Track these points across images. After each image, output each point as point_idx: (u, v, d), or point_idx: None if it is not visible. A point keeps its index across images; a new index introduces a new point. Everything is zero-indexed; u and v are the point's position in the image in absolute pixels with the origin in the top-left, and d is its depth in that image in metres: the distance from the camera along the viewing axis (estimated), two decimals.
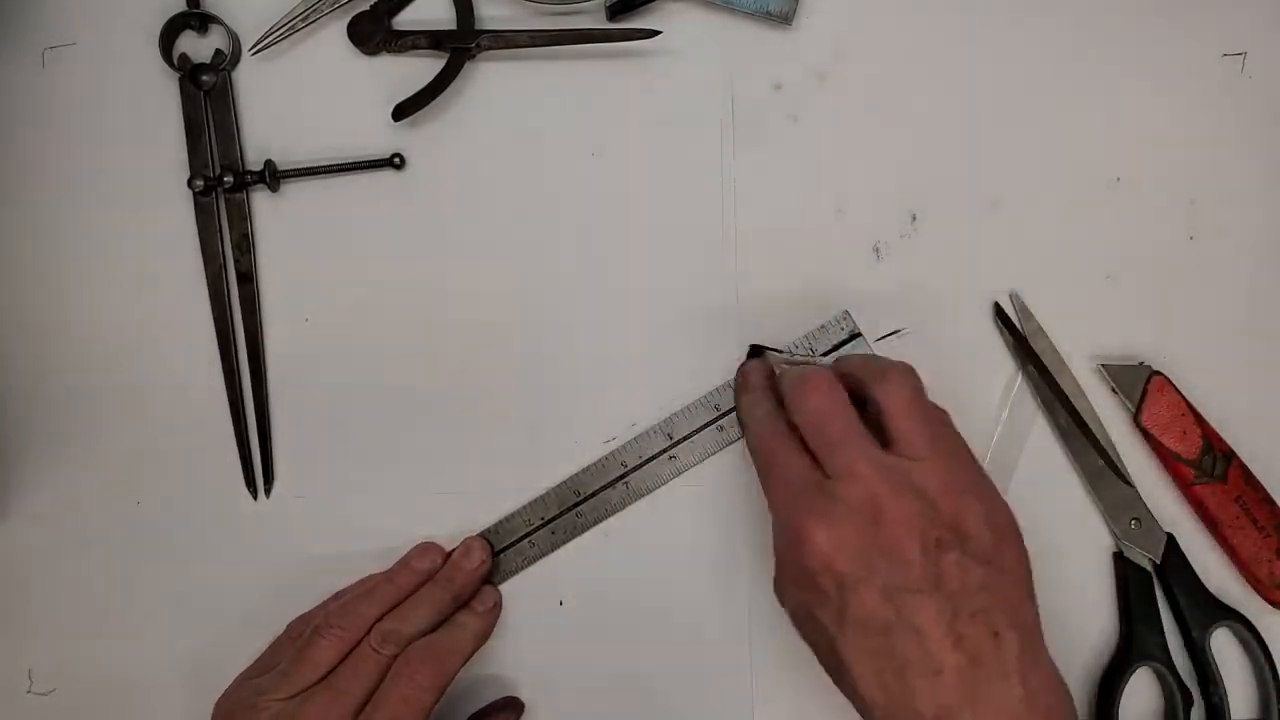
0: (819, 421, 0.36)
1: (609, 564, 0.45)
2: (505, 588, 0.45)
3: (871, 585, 0.34)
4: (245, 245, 0.45)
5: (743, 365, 0.44)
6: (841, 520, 0.34)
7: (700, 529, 0.45)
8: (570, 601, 0.45)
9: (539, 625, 0.45)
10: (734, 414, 0.44)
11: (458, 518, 0.45)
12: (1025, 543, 0.37)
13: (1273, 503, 0.43)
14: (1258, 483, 0.43)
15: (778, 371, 0.42)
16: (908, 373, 0.38)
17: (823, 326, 0.44)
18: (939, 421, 0.37)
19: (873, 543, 0.34)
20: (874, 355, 0.41)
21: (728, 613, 0.44)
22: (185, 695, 0.45)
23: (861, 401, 0.38)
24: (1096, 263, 0.45)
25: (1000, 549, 0.35)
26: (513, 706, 0.44)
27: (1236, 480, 0.43)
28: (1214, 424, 0.43)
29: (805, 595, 0.35)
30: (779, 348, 0.44)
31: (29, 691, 0.45)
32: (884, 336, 0.44)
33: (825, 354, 0.44)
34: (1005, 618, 0.34)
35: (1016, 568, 0.36)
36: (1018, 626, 0.34)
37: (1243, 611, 0.43)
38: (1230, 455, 0.43)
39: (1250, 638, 0.43)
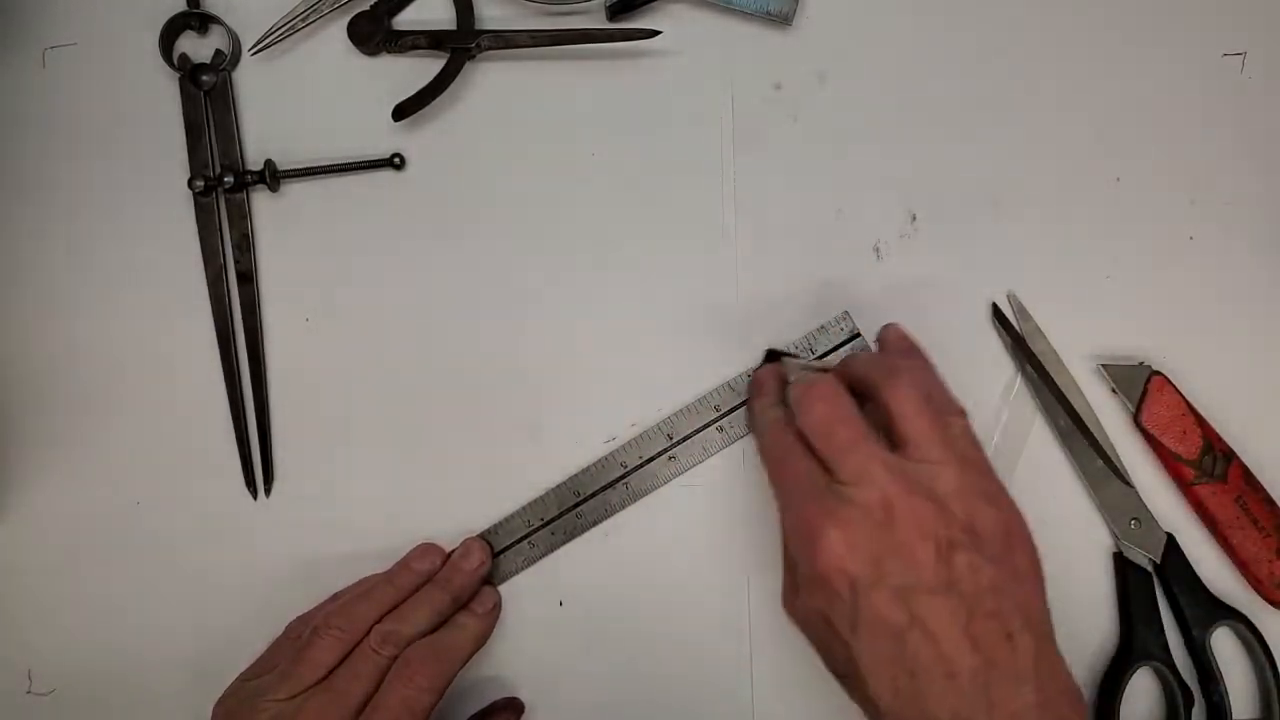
0: (826, 429, 0.36)
1: (609, 564, 0.45)
2: (505, 588, 0.45)
3: (885, 587, 0.34)
4: (245, 245, 0.45)
5: (757, 370, 0.44)
6: (854, 522, 0.34)
7: (701, 529, 0.45)
8: (570, 602, 0.45)
9: (539, 625, 0.45)
10: (734, 414, 0.44)
11: (458, 518, 0.45)
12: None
13: (1273, 503, 0.43)
14: (1258, 483, 0.43)
15: (792, 379, 0.41)
16: (917, 372, 0.38)
17: (822, 327, 0.44)
18: (950, 423, 0.37)
19: (885, 545, 0.34)
20: (883, 354, 0.41)
21: (728, 613, 0.44)
22: (185, 695, 0.45)
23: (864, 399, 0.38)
24: (1096, 263, 0.45)
25: (1012, 551, 0.35)
26: (513, 707, 0.44)
27: (1236, 480, 0.43)
28: (1214, 424, 0.43)
29: (819, 600, 0.35)
30: (794, 352, 0.44)
31: (29, 691, 0.45)
32: None
33: (825, 354, 0.44)
34: (1019, 619, 0.34)
35: (1029, 570, 0.36)
36: (1032, 629, 0.34)
37: (1244, 613, 0.43)
38: (1230, 455, 0.43)
39: (1251, 637, 0.43)
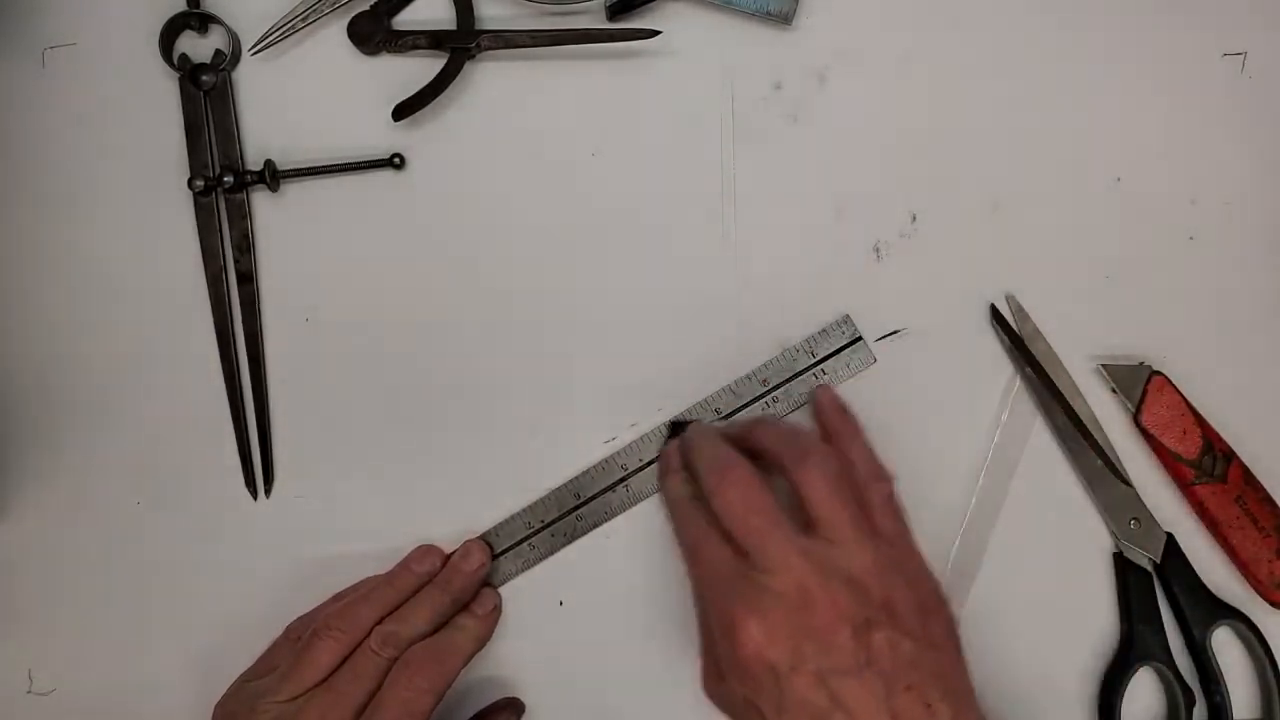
0: (741, 516, 0.36)
1: (609, 565, 0.45)
2: (505, 589, 0.45)
3: (804, 672, 0.34)
4: (245, 245, 0.45)
5: (664, 447, 0.43)
6: (771, 610, 0.34)
7: None
8: (570, 602, 0.45)
9: (539, 625, 0.45)
10: (733, 418, 0.44)
11: (458, 518, 0.45)
12: (952, 609, 0.37)
13: (1273, 503, 0.43)
14: (1258, 483, 0.43)
15: (703, 457, 0.39)
16: (829, 455, 0.38)
17: (823, 331, 0.44)
18: (871, 493, 0.38)
19: (803, 630, 0.34)
20: (792, 430, 0.40)
21: None
22: (185, 695, 0.45)
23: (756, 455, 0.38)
24: (1096, 263, 0.45)
25: (928, 622, 0.36)
26: (513, 707, 0.44)
27: (1236, 480, 0.43)
28: (1214, 424, 0.43)
29: (745, 687, 0.35)
30: (695, 419, 0.44)
31: (29, 691, 0.45)
32: (883, 337, 0.44)
33: (826, 358, 0.44)
34: (937, 689, 0.34)
35: (945, 638, 0.36)
36: (949, 696, 0.35)
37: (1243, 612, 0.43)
38: (1230, 455, 0.43)
39: (1251, 636, 0.43)
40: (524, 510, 0.44)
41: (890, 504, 0.38)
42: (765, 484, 0.37)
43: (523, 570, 0.45)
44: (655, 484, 0.44)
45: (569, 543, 0.44)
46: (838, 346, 0.44)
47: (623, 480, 0.44)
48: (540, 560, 0.45)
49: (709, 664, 0.38)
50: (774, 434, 0.39)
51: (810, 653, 0.34)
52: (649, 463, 0.44)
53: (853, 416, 0.41)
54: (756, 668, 0.34)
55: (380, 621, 0.41)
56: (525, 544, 0.44)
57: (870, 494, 0.38)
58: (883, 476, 0.39)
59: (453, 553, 0.44)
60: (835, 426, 0.41)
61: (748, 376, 0.44)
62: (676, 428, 0.44)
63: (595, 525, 0.44)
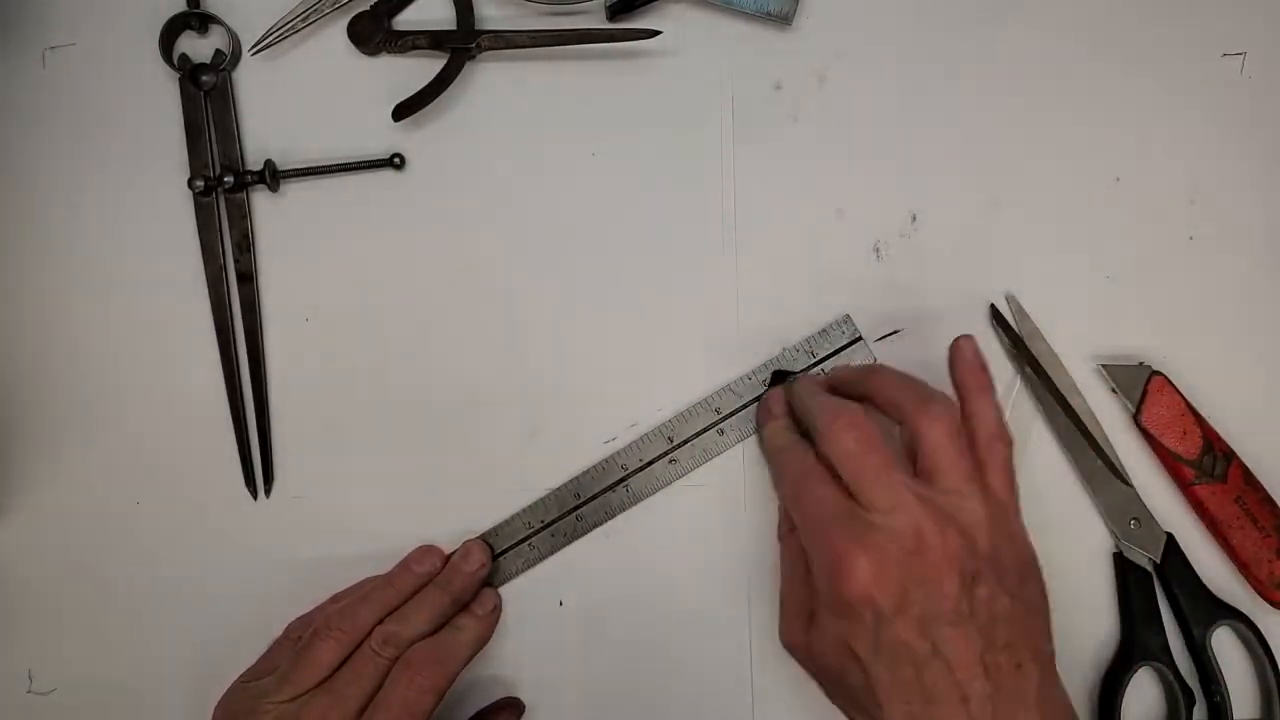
0: (855, 457, 0.36)
1: (609, 564, 0.45)
2: (505, 589, 0.45)
3: (909, 616, 0.34)
4: (245, 245, 0.45)
5: (765, 394, 0.44)
6: (883, 550, 0.34)
7: (701, 529, 0.44)
8: (570, 602, 0.45)
9: (539, 625, 0.45)
10: (735, 417, 0.44)
11: (458, 518, 0.45)
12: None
13: (1273, 503, 0.43)
14: (1258, 483, 0.43)
15: (813, 403, 0.39)
16: (950, 406, 0.37)
17: (823, 331, 0.44)
18: (992, 452, 0.37)
19: (913, 574, 0.34)
20: (911, 378, 0.39)
21: (728, 613, 0.44)
22: (185, 695, 0.45)
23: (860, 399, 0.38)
24: (1096, 263, 0.45)
25: (1026, 584, 0.36)
26: (513, 707, 0.44)
27: (1236, 480, 0.43)
28: (1214, 424, 0.43)
29: (841, 627, 0.35)
30: (798, 371, 0.44)
31: (29, 691, 0.45)
32: (883, 337, 0.44)
33: (825, 359, 0.44)
34: (1028, 650, 0.35)
35: (1040, 603, 0.37)
36: (1039, 659, 0.35)
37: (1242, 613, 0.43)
38: (1230, 455, 0.43)
39: (1251, 637, 0.43)
40: (524, 510, 0.44)
41: (1006, 466, 0.37)
42: (880, 427, 0.37)
43: (523, 570, 0.45)
44: (653, 485, 0.44)
45: (569, 543, 0.44)
46: (838, 346, 0.44)
47: (622, 480, 0.44)
48: (541, 560, 0.45)
49: (794, 609, 0.38)
50: (892, 381, 0.39)
51: (917, 597, 0.34)
52: (649, 462, 0.44)
53: (988, 372, 0.39)
54: (861, 606, 0.34)
55: (380, 622, 0.41)
56: (525, 544, 0.44)
57: (989, 452, 0.37)
58: (1004, 438, 0.38)
59: (453, 553, 0.44)
60: (967, 379, 0.39)
61: (748, 376, 0.44)
62: (778, 376, 0.44)
63: (596, 525, 0.44)
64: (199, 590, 0.45)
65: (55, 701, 0.45)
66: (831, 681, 0.37)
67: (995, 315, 0.44)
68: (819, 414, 0.38)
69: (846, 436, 0.37)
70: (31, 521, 0.46)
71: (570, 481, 0.44)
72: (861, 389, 0.40)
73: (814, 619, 0.37)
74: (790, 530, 0.41)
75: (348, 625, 0.40)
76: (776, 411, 0.42)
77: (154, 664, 0.45)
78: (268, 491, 0.45)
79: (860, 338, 0.44)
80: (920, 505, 0.35)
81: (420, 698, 0.39)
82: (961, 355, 0.40)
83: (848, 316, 0.44)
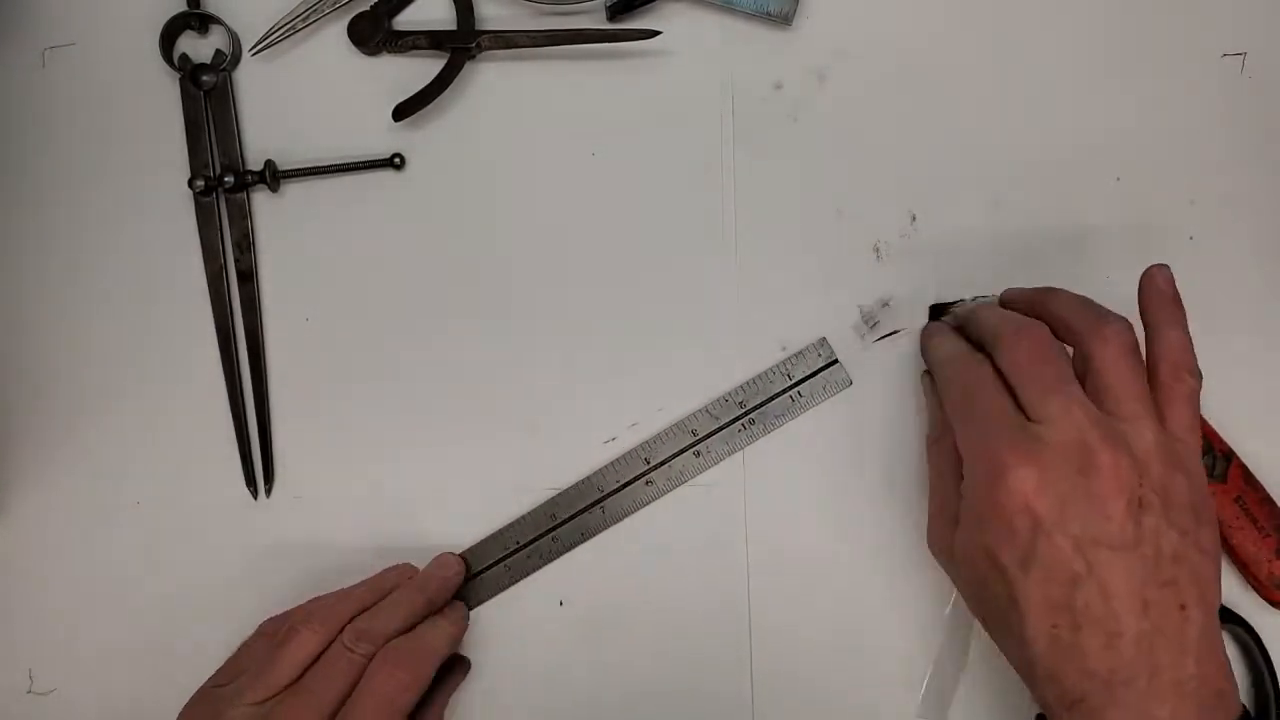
0: (1030, 368, 0.35)
1: (609, 564, 0.45)
2: (506, 589, 0.45)
3: (1067, 533, 0.33)
4: (245, 245, 0.45)
5: (925, 327, 0.43)
6: (1047, 461, 0.33)
7: (701, 529, 0.44)
8: (570, 602, 0.45)
9: (539, 626, 0.45)
10: (709, 440, 0.44)
11: (458, 518, 0.45)
12: None
13: (1272, 503, 0.43)
14: (1258, 483, 0.43)
15: (991, 321, 0.38)
16: (1126, 328, 0.36)
17: (800, 353, 0.44)
18: (1179, 381, 0.35)
19: (1077, 490, 0.33)
20: (1090, 302, 0.37)
21: (729, 614, 0.44)
22: (185, 694, 0.44)
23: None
24: (1096, 262, 0.45)
25: (1200, 527, 0.34)
26: (461, 667, 0.43)
27: (1236, 480, 0.43)
28: (1214, 424, 0.43)
29: (989, 536, 0.34)
30: (957, 300, 0.43)
31: (29, 691, 0.45)
32: (883, 337, 0.44)
33: (801, 381, 0.44)
34: (1194, 594, 0.33)
35: (1213, 549, 0.34)
36: (1204, 605, 0.33)
37: (1242, 613, 0.43)
38: (1230, 455, 0.43)
39: (1249, 639, 0.43)
40: (499, 531, 0.44)
41: (1190, 402, 0.35)
42: (1060, 345, 0.36)
43: (497, 593, 0.44)
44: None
45: (546, 564, 0.44)
46: (814, 369, 0.44)
47: (598, 502, 0.44)
48: (514, 583, 0.44)
49: (943, 514, 0.37)
50: (1070, 301, 0.38)
51: (1077, 514, 0.33)
52: (626, 484, 0.44)
53: (1180, 304, 0.37)
54: (1018, 516, 0.33)
55: (354, 618, 0.40)
56: (501, 565, 0.44)
57: (1173, 383, 0.35)
58: (1192, 372, 0.36)
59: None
60: (1157, 308, 0.37)
61: (724, 399, 0.44)
62: (937, 310, 0.44)
63: (572, 546, 0.44)
64: (199, 590, 0.45)
65: (55, 701, 0.45)
66: (973, 591, 0.36)
67: None
68: (998, 326, 0.37)
69: (1022, 347, 0.35)
70: (31, 521, 0.46)
71: (546, 503, 0.44)
72: (1036, 309, 0.38)
73: (957, 526, 0.36)
74: (941, 436, 0.40)
75: (323, 619, 0.40)
76: (943, 328, 0.41)
77: (154, 664, 0.45)
78: (268, 491, 0.45)
79: (836, 360, 0.44)
80: (1091, 423, 0.33)
81: (401, 692, 0.38)
82: (1152, 284, 0.37)
83: (824, 339, 0.44)
